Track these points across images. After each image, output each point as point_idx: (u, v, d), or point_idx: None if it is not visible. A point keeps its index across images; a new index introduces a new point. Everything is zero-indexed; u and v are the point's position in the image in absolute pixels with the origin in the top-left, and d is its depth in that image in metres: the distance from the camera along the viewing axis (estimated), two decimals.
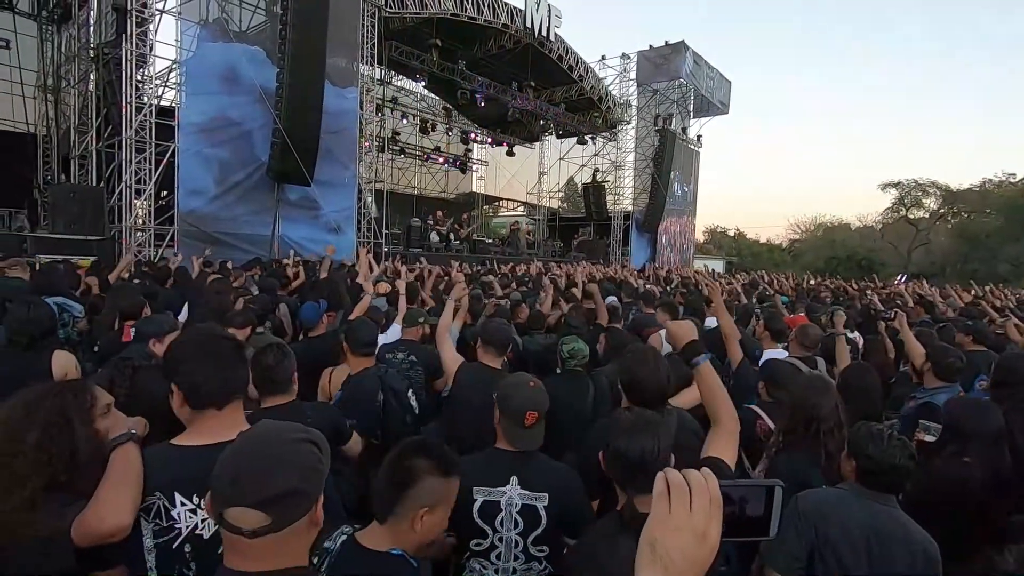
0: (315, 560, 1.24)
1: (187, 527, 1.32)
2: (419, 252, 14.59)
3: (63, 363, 2.56)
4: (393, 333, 3.75)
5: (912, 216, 40.26)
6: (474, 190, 27.60)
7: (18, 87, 13.30)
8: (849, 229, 45.71)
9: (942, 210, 39.32)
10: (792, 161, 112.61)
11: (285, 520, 0.92)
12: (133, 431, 1.39)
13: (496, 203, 29.22)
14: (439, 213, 17.72)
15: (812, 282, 12.93)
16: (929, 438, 2.61)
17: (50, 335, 2.71)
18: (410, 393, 2.81)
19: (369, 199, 13.98)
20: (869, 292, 8.37)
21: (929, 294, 8.51)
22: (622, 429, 1.42)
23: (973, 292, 9.67)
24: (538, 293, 6.08)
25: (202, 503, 1.32)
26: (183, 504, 1.32)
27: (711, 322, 4.67)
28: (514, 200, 28.00)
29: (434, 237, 16.23)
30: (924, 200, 39.64)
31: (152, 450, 1.40)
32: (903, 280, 16.66)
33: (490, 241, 19.95)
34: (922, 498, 2.06)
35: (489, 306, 5.12)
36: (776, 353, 3.87)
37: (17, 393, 1.39)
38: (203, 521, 1.33)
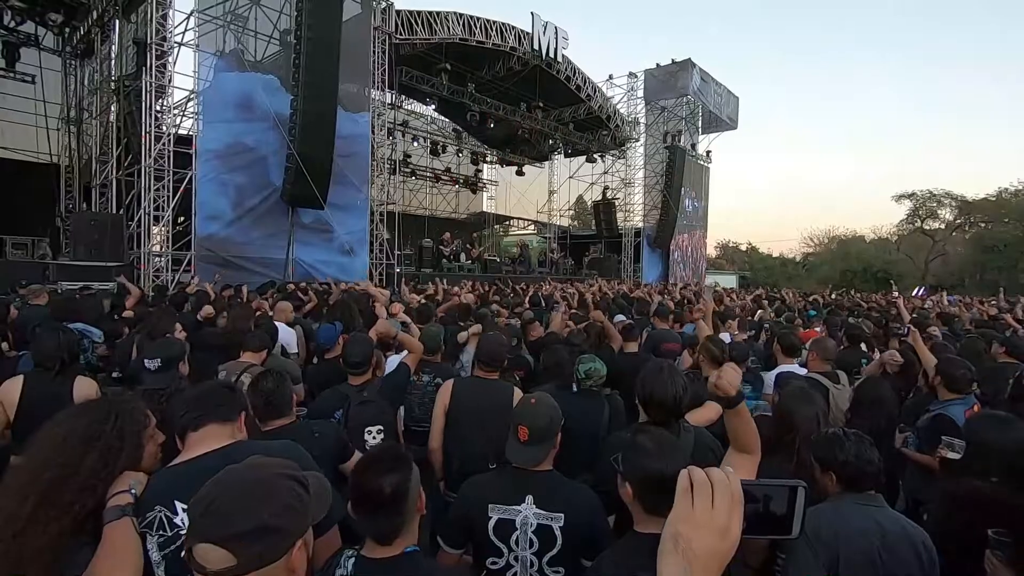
0: None
1: None
2: (431, 272, 14.69)
3: (85, 389, 2.61)
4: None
5: (928, 227, 39.78)
6: (484, 210, 27.82)
7: (42, 119, 13.76)
8: (864, 241, 45.24)
9: (958, 220, 38.82)
10: (803, 174, 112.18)
11: (253, 562, 0.84)
12: (132, 496, 1.34)
13: (507, 222, 29.40)
14: (447, 235, 17.89)
15: (833, 296, 12.77)
16: (953, 455, 2.55)
17: (75, 361, 2.78)
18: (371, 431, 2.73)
19: (380, 223, 14.15)
20: (895, 301, 8.27)
21: (949, 308, 8.38)
22: (651, 453, 1.38)
23: (995, 304, 9.51)
24: (551, 311, 6.07)
25: None
26: (185, 510, 1.35)
27: (725, 337, 4.63)
28: (524, 219, 28.16)
29: (448, 259, 16.40)
30: (939, 211, 39.22)
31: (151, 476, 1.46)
32: (923, 292, 16.41)
33: (500, 260, 20.03)
34: (949, 520, 2.02)
35: (499, 325, 5.13)
36: (791, 368, 3.82)
37: (68, 412, 1.43)
38: None
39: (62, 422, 1.40)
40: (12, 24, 12.56)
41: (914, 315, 6.74)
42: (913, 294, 17.53)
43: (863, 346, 4.89)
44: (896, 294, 10.54)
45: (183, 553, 0.90)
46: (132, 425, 1.44)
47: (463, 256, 17.48)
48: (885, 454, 2.04)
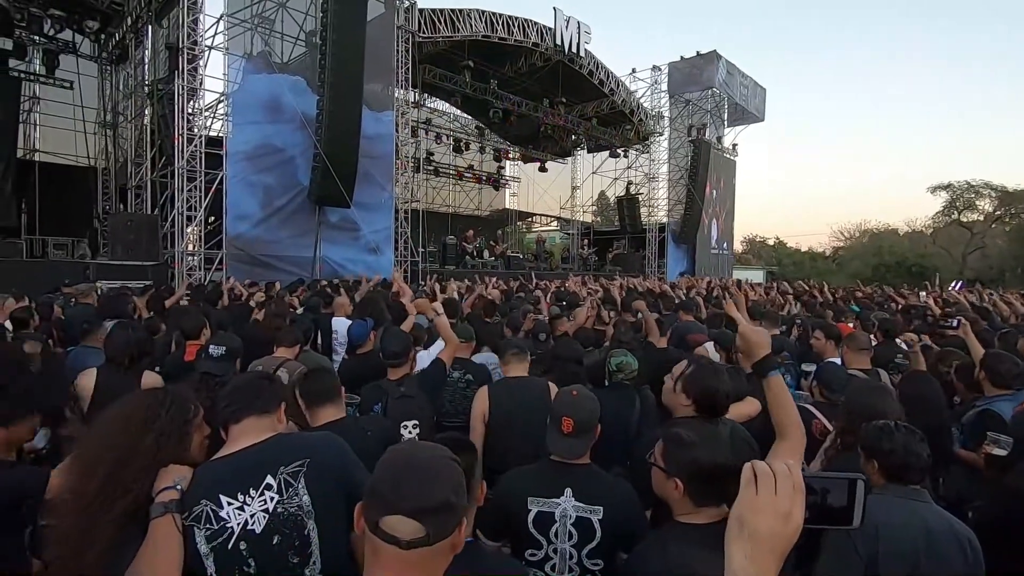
0: None
1: (238, 524, 1.37)
2: (454, 270, 14.79)
3: (151, 384, 2.75)
4: (437, 349, 3.82)
5: (965, 219, 38.41)
6: (507, 207, 27.84)
7: (80, 124, 14.25)
8: (897, 235, 43.92)
9: (998, 212, 37.37)
10: (832, 167, 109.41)
11: (438, 534, 0.91)
12: (178, 492, 1.37)
13: (529, 219, 29.38)
14: (469, 232, 17.96)
15: (859, 293, 12.45)
16: (999, 451, 2.48)
17: (146, 356, 2.93)
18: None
19: (405, 221, 14.30)
20: (923, 295, 8.02)
21: (989, 302, 8.08)
22: (701, 444, 1.37)
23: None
24: (576, 307, 6.06)
25: (247, 499, 1.39)
26: (229, 504, 1.38)
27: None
28: (547, 215, 28.10)
29: (471, 255, 16.50)
30: (978, 202, 37.79)
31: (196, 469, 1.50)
32: (959, 286, 15.88)
33: (523, 257, 20.03)
34: (996, 517, 1.96)
35: (527, 321, 5.14)
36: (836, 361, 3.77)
37: (129, 397, 1.51)
38: (252, 516, 1.38)
39: (124, 405, 1.46)
40: (51, 32, 13.01)
41: (947, 311, 6.53)
42: (950, 288, 16.96)
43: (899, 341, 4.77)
44: (924, 292, 10.14)
45: (359, 518, 0.95)
46: (182, 413, 1.49)
47: (486, 253, 17.54)
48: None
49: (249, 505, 1.39)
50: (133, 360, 2.80)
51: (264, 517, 1.38)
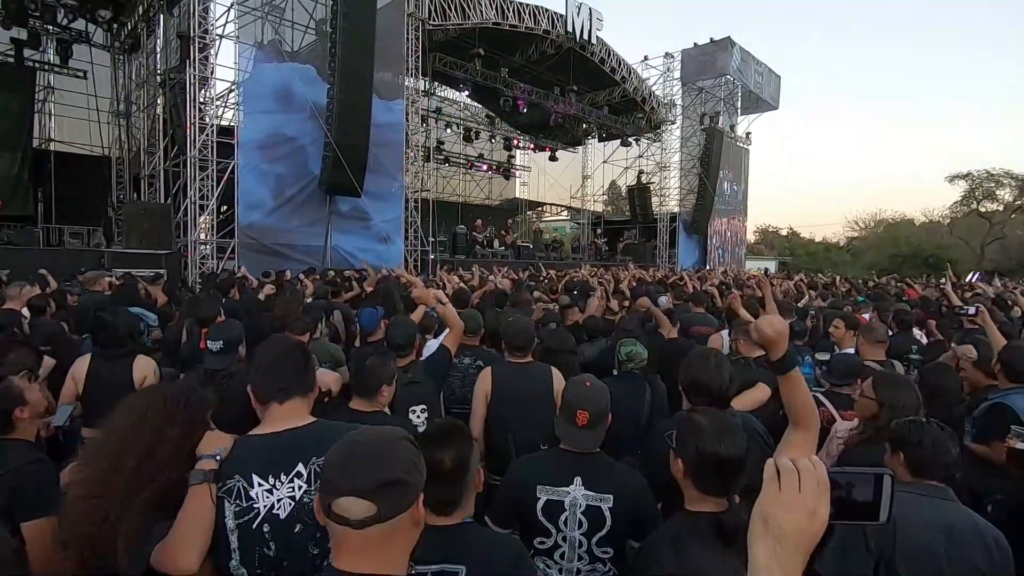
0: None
1: (265, 507, 1.39)
2: (464, 259, 14.79)
3: (143, 368, 2.77)
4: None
5: (984, 209, 37.63)
6: (518, 196, 27.74)
7: (94, 114, 14.36)
8: (913, 225, 43.19)
9: (1018, 202, 36.57)
10: (848, 156, 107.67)
11: (391, 510, 0.93)
12: (216, 462, 1.41)
13: (540, 208, 29.26)
14: (479, 222, 17.92)
15: (871, 283, 12.29)
16: (1022, 445, 2.42)
17: (131, 342, 2.94)
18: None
19: (415, 211, 14.31)
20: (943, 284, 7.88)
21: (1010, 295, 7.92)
22: (709, 433, 1.39)
23: None
24: (587, 297, 6.03)
25: (276, 483, 1.41)
26: (260, 484, 1.40)
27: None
28: (558, 205, 27.97)
29: (481, 245, 16.49)
30: (998, 192, 36.96)
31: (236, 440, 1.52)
32: (977, 277, 15.62)
33: (533, 247, 19.98)
34: (1020, 512, 1.93)
35: (537, 311, 5.13)
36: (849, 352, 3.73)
37: (149, 390, 1.55)
38: (279, 501, 1.40)
39: (144, 396, 1.49)
40: (65, 22, 13.08)
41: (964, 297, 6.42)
42: (968, 279, 16.69)
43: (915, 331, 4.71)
44: (944, 280, 9.94)
45: (318, 508, 0.98)
46: (201, 409, 1.51)
47: (496, 242, 17.52)
48: None
49: (278, 489, 1.41)
50: (124, 345, 2.88)
51: (290, 504, 1.40)
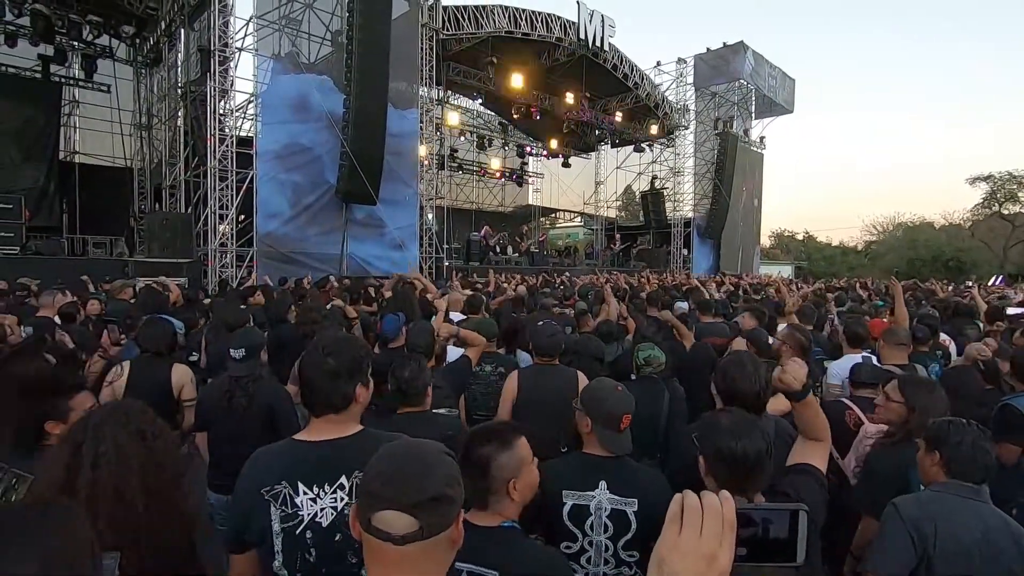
0: None
1: (308, 514, 1.43)
2: (479, 265, 14.86)
3: (180, 375, 2.86)
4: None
5: (1007, 211, 36.90)
6: (531, 203, 27.82)
7: (117, 126, 14.73)
8: (933, 228, 42.46)
9: None
10: (864, 159, 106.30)
11: (433, 527, 0.90)
12: None
13: (553, 215, 29.29)
14: (486, 228, 17.96)
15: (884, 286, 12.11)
16: None
17: (174, 350, 3.07)
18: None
19: (430, 215, 14.42)
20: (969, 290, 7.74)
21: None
22: (726, 431, 1.43)
23: None
24: (601, 303, 6.04)
25: (320, 493, 1.44)
26: (305, 493, 1.43)
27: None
28: (571, 211, 27.98)
29: (494, 251, 16.54)
30: (1020, 193, 36.20)
31: (278, 445, 1.54)
32: (1000, 281, 15.32)
33: (547, 253, 20.02)
34: None
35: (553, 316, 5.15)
36: (856, 358, 3.67)
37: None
38: (322, 510, 1.44)
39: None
40: (90, 37, 13.46)
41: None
42: (990, 283, 16.37)
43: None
44: (970, 284, 9.80)
45: (354, 520, 0.94)
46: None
47: (510, 249, 17.58)
48: None
49: (321, 499, 1.44)
50: (160, 353, 2.97)
51: (332, 513, 1.43)
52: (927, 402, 2.13)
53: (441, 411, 2.60)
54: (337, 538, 1.43)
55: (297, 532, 1.42)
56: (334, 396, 1.49)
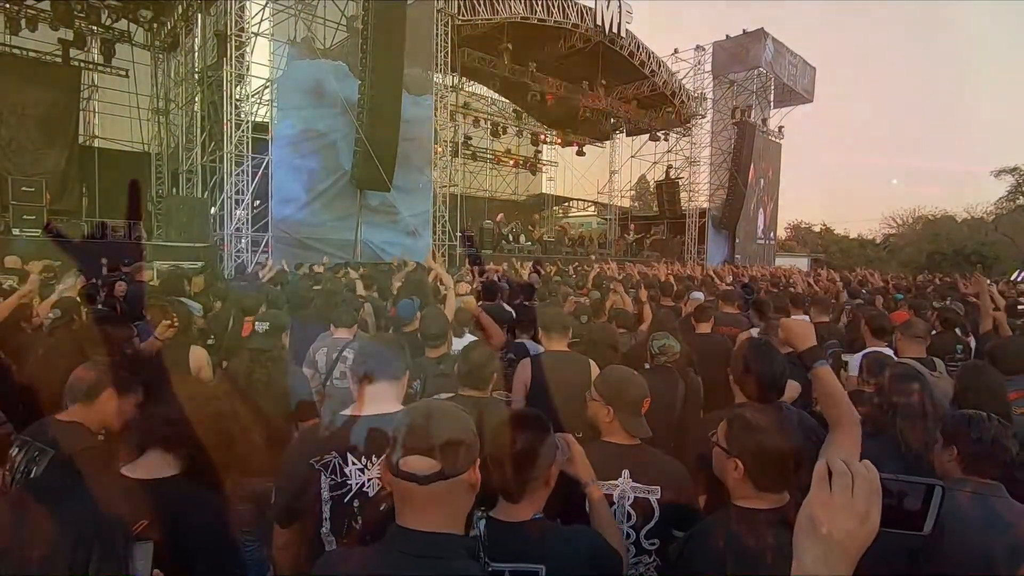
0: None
1: (356, 484, 1.55)
2: (492, 253, 14.85)
3: (198, 357, 2.90)
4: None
5: None
6: (544, 191, 27.66)
7: (135, 111, 14.83)
8: (955, 221, 41.56)
9: None
10: (884, 151, 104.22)
11: (452, 468, 1.02)
12: None
13: (566, 203, 29.12)
14: (500, 216, 17.89)
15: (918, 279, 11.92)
16: None
17: (186, 332, 3.14)
18: None
19: (443, 204, 14.40)
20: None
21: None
22: (766, 427, 1.36)
23: None
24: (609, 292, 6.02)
25: (368, 464, 1.56)
26: (354, 464, 1.55)
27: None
28: (584, 200, 27.79)
29: (507, 240, 16.51)
30: None
31: (326, 421, 1.67)
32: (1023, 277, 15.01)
33: (560, 241, 19.93)
34: None
35: (569, 303, 5.14)
36: (879, 351, 3.61)
37: None
38: (369, 481, 1.55)
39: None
40: (108, 22, 13.53)
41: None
42: (1013, 278, 16.04)
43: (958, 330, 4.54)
44: (990, 281, 9.56)
45: (385, 470, 1.07)
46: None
47: (523, 237, 17.53)
48: None
49: (368, 470, 1.55)
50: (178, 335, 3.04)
51: (377, 484, 1.54)
52: (896, 393, 2.06)
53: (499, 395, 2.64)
54: (383, 507, 1.51)
55: (345, 500, 1.52)
56: (390, 365, 1.69)
